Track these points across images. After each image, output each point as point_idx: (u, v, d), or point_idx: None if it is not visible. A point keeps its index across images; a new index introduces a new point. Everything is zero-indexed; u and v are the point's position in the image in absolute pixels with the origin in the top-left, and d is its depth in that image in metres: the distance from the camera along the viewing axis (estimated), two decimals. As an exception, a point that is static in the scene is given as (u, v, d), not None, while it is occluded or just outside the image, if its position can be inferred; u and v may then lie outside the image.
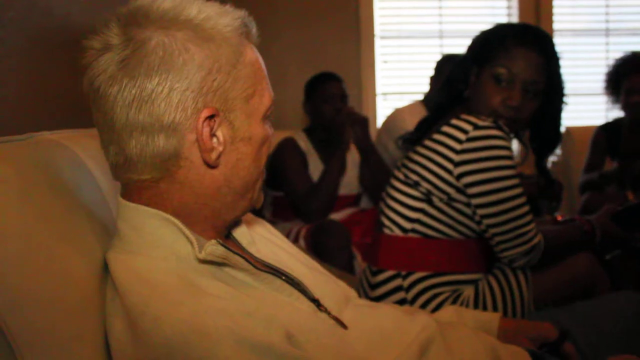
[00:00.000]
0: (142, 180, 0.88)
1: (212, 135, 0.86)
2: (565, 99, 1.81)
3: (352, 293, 1.20)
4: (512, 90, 1.70)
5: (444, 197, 1.68)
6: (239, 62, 0.88)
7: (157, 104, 0.82)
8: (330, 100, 2.95)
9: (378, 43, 3.98)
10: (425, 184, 1.69)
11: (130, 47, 0.82)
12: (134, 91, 0.82)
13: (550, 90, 1.75)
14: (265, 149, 0.95)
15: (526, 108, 1.72)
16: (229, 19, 0.88)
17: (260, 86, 0.91)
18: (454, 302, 1.67)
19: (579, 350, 1.33)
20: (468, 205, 1.67)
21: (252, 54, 0.91)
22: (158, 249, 0.88)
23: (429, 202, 1.70)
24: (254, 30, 0.93)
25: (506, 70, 1.70)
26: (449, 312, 1.31)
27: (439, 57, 3.35)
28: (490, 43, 1.75)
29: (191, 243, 0.87)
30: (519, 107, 1.71)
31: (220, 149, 0.87)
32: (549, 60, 1.73)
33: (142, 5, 0.86)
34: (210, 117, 0.85)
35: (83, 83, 0.87)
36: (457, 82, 1.81)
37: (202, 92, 0.84)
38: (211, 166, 0.88)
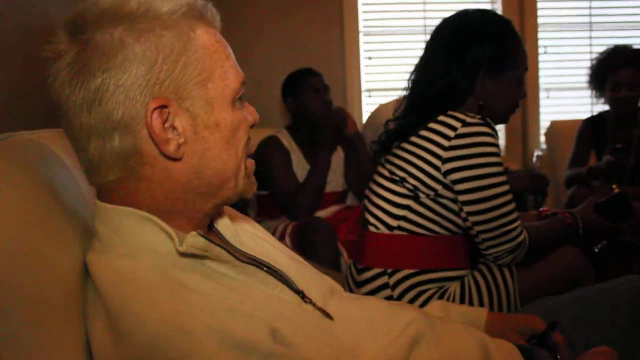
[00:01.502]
0: (110, 181, 0.87)
1: (171, 126, 0.85)
2: None
3: (338, 286, 1.20)
4: (524, 86, 1.78)
5: (431, 193, 1.67)
6: (188, 48, 0.86)
7: (105, 103, 0.82)
8: (316, 93, 2.96)
9: (362, 39, 3.97)
10: (411, 180, 1.68)
11: (73, 51, 0.83)
12: (82, 94, 0.82)
13: None
14: (241, 134, 0.92)
15: None
16: (172, 6, 0.86)
17: (220, 69, 0.89)
18: (439, 298, 1.67)
19: (572, 348, 1.33)
20: (454, 201, 1.67)
21: (207, 37, 0.89)
22: (138, 248, 0.87)
23: (415, 198, 1.69)
24: (210, 13, 0.92)
25: (526, 71, 1.77)
26: (436, 307, 1.31)
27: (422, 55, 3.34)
28: (503, 47, 1.73)
29: (171, 238, 0.86)
30: None
31: (181, 140, 0.86)
32: None
33: (84, 8, 0.85)
34: (162, 107, 0.84)
35: None
36: (462, 88, 1.73)
37: (149, 85, 0.83)
38: (173, 158, 0.86)
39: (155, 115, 0.83)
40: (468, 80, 1.73)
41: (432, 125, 1.67)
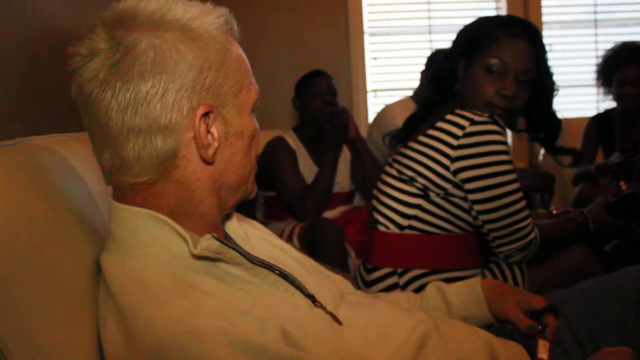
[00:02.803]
0: (139, 182, 0.88)
1: (208, 131, 0.87)
2: (555, 85, 1.81)
3: (348, 287, 1.20)
4: (505, 80, 1.70)
5: (441, 192, 1.67)
6: (227, 58, 0.89)
7: (153, 106, 0.83)
8: (318, 93, 2.97)
9: (367, 40, 3.97)
10: (421, 180, 1.68)
11: (121, 50, 0.82)
12: (128, 95, 0.82)
13: (540, 78, 1.75)
14: (255, 142, 0.96)
15: (520, 97, 1.73)
16: (213, 17, 0.89)
17: (246, 80, 0.93)
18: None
19: (578, 343, 1.33)
20: (465, 199, 1.67)
21: (237, 50, 0.93)
22: (152, 249, 0.88)
23: (426, 197, 1.69)
24: (235, 27, 0.95)
25: (499, 61, 1.69)
26: (432, 291, 1.30)
27: (429, 53, 3.34)
28: (479, 35, 1.75)
29: (185, 240, 0.87)
30: (514, 97, 1.71)
31: (216, 144, 0.89)
32: (537, 49, 1.73)
33: (127, 7, 0.86)
34: (205, 114, 0.86)
35: (72, 90, 0.87)
36: (444, 76, 1.81)
37: (196, 91, 0.85)
38: (208, 162, 0.89)
39: (201, 120, 0.85)
40: (449, 67, 1.79)
41: (440, 124, 1.67)
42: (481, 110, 1.67)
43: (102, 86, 0.83)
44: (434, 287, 1.32)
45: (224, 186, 0.93)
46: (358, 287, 1.82)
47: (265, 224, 2.89)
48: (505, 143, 1.62)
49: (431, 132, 1.69)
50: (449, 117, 1.66)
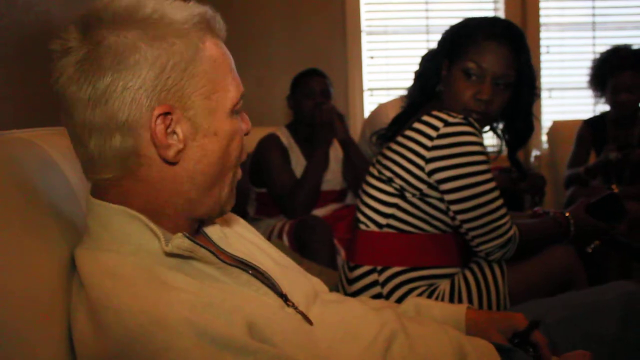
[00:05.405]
0: (105, 179, 0.89)
1: (172, 132, 0.87)
2: (536, 91, 1.81)
3: (323, 288, 1.21)
4: (482, 84, 1.70)
5: (417, 192, 1.69)
6: (196, 58, 0.88)
7: (111, 103, 0.83)
8: (311, 95, 2.96)
9: (364, 39, 3.99)
10: (398, 180, 1.70)
11: (85, 48, 0.84)
12: (89, 91, 0.83)
13: (520, 82, 1.75)
14: (235, 143, 0.95)
15: (497, 101, 1.72)
16: (185, 15, 0.88)
17: (224, 81, 0.92)
18: (429, 296, 1.68)
19: (555, 349, 1.33)
20: (441, 200, 1.68)
21: (214, 49, 0.91)
22: (126, 245, 0.89)
23: (403, 197, 1.70)
24: (218, 25, 0.94)
25: (475, 65, 1.70)
26: (410, 306, 1.31)
27: (425, 53, 3.34)
28: (460, 37, 1.76)
29: (157, 237, 0.88)
30: (490, 101, 1.71)
31: (180, 145, 0.88)
32: (518, 53, 1.73)
33: (100, 6, 0.87)
34: (166, 114, 0.86)
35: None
36: (429, 77, 1.82)
37: (156, 90, 0.84)
38: (170, 163, 0.88)
39: (159, 120, 0.85)
40: (433, 67, 1.80)
41: (416, 125, 1.69)
42: (458, 113, 1.68)
43: (69, 82, 0.84)
44: (412, 302, 1.32)
45: (194, 188, 0.92)
46: (342, 285, 1.84)
47: (256, 220, 2.92)
48: (479, 144, 1.63)
49: (408, 132, 1.70)
50: (425, 118, 1.67)
